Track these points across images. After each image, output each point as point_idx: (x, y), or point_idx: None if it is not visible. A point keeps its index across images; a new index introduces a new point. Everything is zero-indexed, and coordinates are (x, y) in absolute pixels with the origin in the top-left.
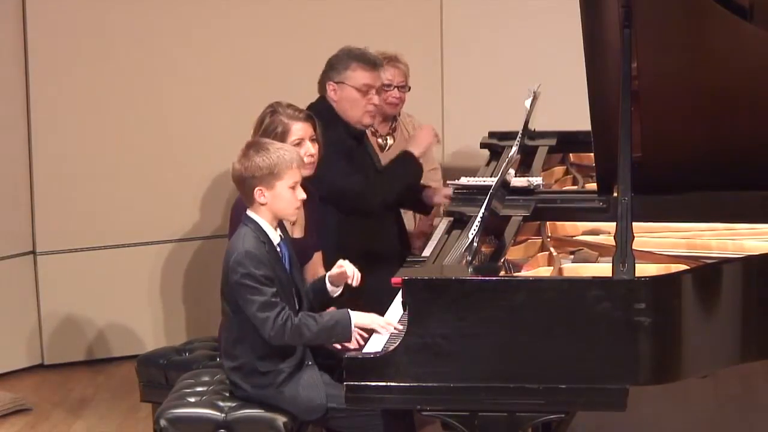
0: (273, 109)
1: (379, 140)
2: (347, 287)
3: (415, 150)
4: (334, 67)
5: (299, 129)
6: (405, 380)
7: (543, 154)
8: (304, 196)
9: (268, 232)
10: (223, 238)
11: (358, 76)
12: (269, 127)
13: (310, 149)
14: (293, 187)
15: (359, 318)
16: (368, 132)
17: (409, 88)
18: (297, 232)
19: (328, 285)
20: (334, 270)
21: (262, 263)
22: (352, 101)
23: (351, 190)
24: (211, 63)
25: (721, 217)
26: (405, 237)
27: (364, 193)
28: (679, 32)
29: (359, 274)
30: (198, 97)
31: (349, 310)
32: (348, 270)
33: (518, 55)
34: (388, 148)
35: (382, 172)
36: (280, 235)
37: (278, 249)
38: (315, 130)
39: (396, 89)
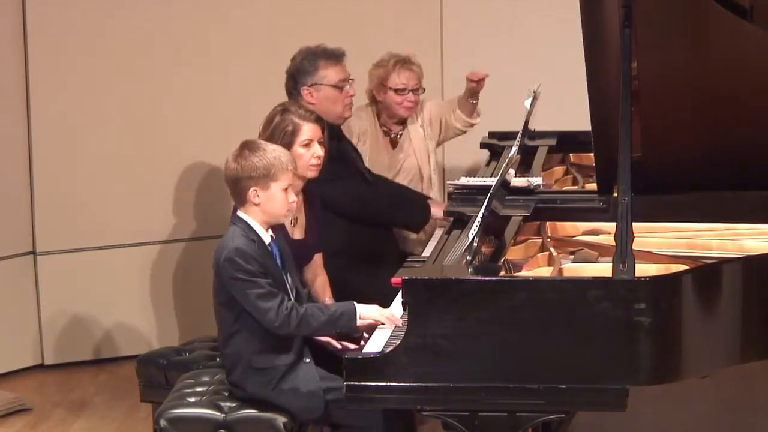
0: (284, 108)
1: (391, 136)
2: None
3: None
4: (303, 72)
5: (309, 130)
6: (405, 380)
7: (543, 154)
8: (295, 198)
9: (258, 231)
10: None
11: (331, 73)
12: (279, 125)
13: (318, 151)
14: (286, 190)
15: (364, 310)
16: (380, 132)
17: (424, 90)
18: (297, 234)
19: None
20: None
21: (253, 258)
22: (332, 99)
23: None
24: (211, 64)
25: (721, 217)
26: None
27: (363, 198)
28: (679, 32)
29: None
30: (198, 98)
31: (354, 302)
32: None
33: (518, 55)
34: (401, 138)
35: (403, 192)
36: (271, 235)
37: (269, 247)
38: (323, 132)
39: (411, 93)
